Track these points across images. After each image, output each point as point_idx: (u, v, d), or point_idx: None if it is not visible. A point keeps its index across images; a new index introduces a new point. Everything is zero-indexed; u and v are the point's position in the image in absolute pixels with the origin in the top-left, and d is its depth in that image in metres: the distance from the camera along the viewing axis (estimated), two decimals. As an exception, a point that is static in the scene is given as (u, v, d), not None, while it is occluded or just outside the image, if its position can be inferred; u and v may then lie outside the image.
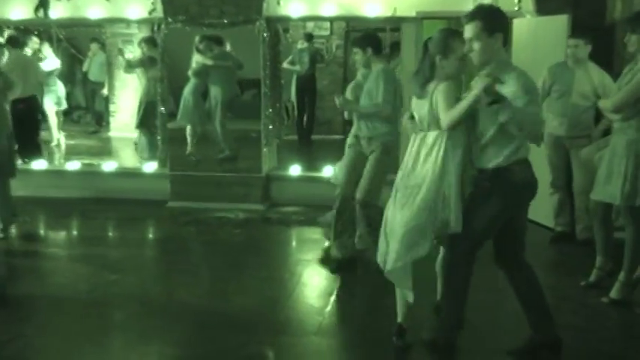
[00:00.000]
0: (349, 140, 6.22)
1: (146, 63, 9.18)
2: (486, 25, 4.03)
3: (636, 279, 5.27)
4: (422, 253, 4.20)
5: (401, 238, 4.19)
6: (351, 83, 6.35)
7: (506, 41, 4.12)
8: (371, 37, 6.25)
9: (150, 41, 9.13)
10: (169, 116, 8.91)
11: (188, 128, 9.33)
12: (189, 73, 9.45)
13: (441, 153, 4.16)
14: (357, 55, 6.07)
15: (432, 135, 4.23)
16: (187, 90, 9.38)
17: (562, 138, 6.64)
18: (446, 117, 4.09)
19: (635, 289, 5.26)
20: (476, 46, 4.06)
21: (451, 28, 5.15)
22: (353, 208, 6.04)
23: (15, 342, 4.63)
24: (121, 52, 9.58)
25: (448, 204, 4.16)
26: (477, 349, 4.61)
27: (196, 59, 9.39)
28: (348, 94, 6.21)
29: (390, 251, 4.27)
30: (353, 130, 6.21)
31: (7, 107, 7.13)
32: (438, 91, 4.20)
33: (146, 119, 9.26)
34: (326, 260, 6.29)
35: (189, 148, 9.26)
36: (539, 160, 6.89)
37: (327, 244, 6.46)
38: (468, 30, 4.08)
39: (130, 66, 9.52)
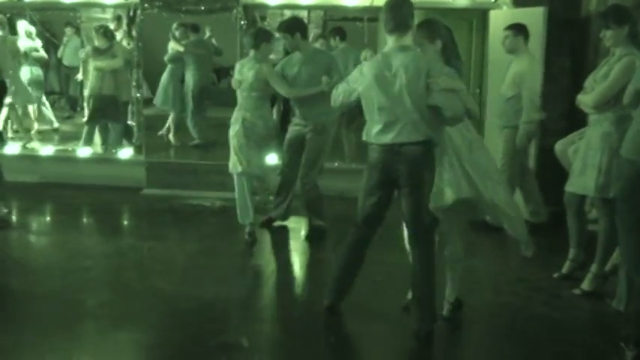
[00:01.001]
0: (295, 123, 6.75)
1: (90, 54, 8.86)
2: None
3: (608, 271, 5.33)
4: None
5: None
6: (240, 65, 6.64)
7: (390, 28, 4.44)
8: (298, 22, 6.68)
9: (99, 31, 8.71)
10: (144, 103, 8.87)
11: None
12: (165, 59, 9.40)
13: None
14: (286, 40, 6.43)
15: None
16: (164, 76, 9.34)
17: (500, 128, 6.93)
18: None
19: (606, 280, 5.32)
20: None
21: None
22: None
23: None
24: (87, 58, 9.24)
25: None
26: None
27: (171, 46, 9.33)
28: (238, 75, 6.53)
29: None
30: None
31: None
32: None
33: (89, 112, 8.98)
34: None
35: (164, 130, 9.30)
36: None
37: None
38: None
39: (83, 61, 9.35)
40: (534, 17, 6.98)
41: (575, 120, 6.44)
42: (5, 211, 7.10)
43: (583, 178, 5.21)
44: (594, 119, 5.21)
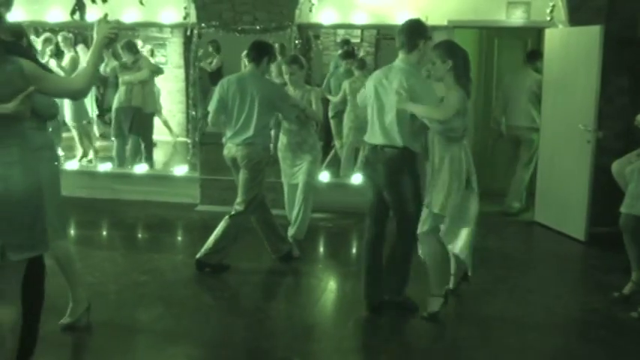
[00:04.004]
0: None
1: (118, 70, 9.16)
2: None
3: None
4: None
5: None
6: None
7: (398, 45, 5.11)
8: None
9: (125, 47, 9.06)
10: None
11: None
12: None
13: None
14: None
15: None
16: None
17: None
18: None
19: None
20: None
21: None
22: None
23: (41, 340, 4.67)
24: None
25: None
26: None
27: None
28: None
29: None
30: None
31: None
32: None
33: (117, 126, 9.25)
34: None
35: None
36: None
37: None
38: None
39: (115, 76, 9.52)
40: (590, 36, 6.91)
41: (633, 139, 6.34)
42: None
43: (640, 200, 5.13)
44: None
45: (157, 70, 9.66)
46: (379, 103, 5.01)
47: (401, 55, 5.02)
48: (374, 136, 5.06)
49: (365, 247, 5.30)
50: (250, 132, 5.95)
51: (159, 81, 10.14)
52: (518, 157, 8.35)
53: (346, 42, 10.42)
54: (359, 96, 5.44)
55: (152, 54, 10.65)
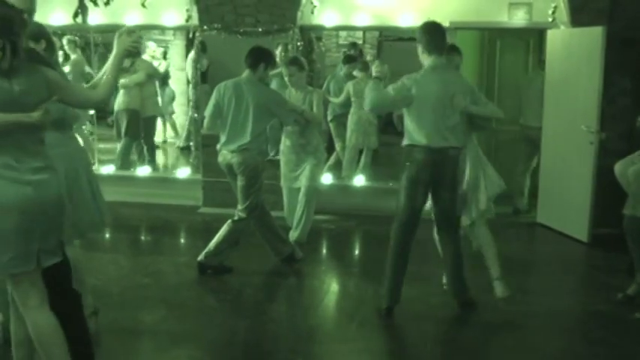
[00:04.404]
0: None
1: None
2: None
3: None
4: None
5: None
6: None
7: (431, 48, 5.04)
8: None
9: None
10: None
11: None
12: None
13: None
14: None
15: None
16: None
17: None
18: None
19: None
20: None
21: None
22: None
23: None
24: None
25: None
26: None
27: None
28: None
29: None
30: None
31: None
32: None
33: (118, 129, 9.36)
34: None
35: None
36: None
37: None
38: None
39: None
40: (593, 37, 6.90)
41: (635, 140, 6.34)
42: None
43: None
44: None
45: (154, 73, 9.67)
46: (441, 106, 4.90)
47: (437, 58, 4.98)
48: (439, 139, 4.91)
49: (402, 249, 5.12)
50: (246, 138, 5.88)
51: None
52: (534, 157, 8.35)
53: (353, 45, 10.42)
54: (376, 95, 4.95)
55: (165, 56, 10.69)
